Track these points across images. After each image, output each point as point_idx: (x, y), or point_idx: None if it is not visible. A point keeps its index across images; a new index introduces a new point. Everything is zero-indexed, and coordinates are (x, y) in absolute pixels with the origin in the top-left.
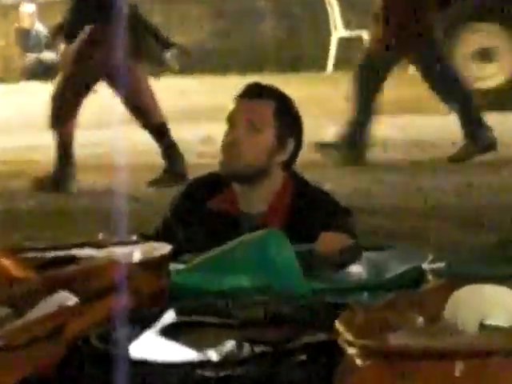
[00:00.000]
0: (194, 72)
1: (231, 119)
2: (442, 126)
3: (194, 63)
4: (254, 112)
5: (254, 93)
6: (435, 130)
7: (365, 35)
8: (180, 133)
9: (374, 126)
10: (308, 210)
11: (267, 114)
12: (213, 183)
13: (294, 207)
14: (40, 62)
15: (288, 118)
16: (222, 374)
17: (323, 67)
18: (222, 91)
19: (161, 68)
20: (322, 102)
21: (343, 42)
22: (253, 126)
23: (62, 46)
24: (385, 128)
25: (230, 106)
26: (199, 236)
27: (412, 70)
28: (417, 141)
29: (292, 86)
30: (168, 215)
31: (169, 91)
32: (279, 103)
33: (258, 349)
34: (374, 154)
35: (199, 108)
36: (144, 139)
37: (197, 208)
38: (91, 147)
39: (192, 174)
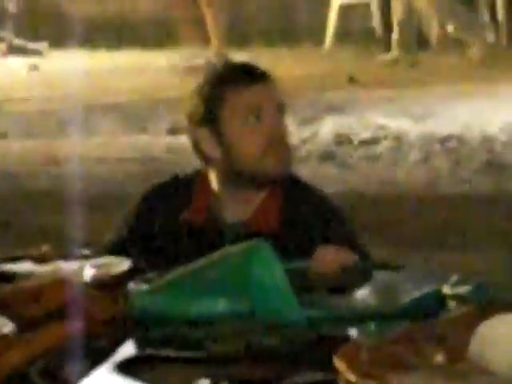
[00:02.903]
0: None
1: (256, 108)
2: None
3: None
4: (276, 95)
5: (262, 75)
6: None
7: (372, 2)
8: None
9: None
10: (302, 216)
11: (279, 91)
12: (176, 189)
13: (286, 212)
14: None
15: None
16: None
17: (320, 41)
18: None
19: None
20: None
21: (345, 10)
22: (281, 110)
23: None
24: None
25: (236, 94)
26: (166, 255)
27: None
28: None
29: (286, 63)
30: (122, 231)
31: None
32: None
33: None
34: None
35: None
36: None
37: (163, 223)
38: None
39: None
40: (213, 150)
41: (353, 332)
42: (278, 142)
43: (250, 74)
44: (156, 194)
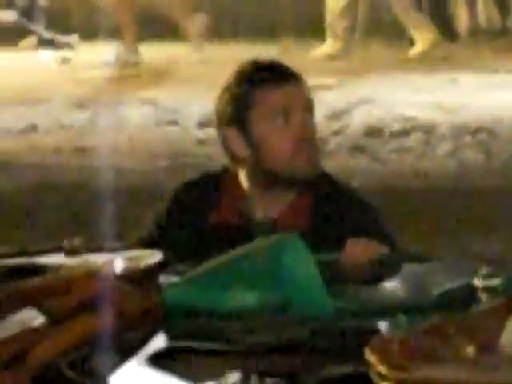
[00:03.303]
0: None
1: (285, 109)
2: None
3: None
4: (304, 94)
5: (290, 75)
6: None
7: None
8: None
9: None
10: (332, 213)
11: (308, 91)
12: (206, 187)
13: (317, 208)
14: None
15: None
16: None
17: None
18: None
19: None
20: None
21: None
22: (310, 110)
23: None
24: None
25: (267, 94)
26: (196, 253)
27: None
28: None
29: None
30: (153, 229)
31: None
32: (299, 74)
33: (269, 382)
34: None
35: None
36: None
37: (193, 221)
38: None
39: None
40: (242, 150)
41: (383, 325)
42: (307, 143)
43: (278, 75)
44: (186, 192)
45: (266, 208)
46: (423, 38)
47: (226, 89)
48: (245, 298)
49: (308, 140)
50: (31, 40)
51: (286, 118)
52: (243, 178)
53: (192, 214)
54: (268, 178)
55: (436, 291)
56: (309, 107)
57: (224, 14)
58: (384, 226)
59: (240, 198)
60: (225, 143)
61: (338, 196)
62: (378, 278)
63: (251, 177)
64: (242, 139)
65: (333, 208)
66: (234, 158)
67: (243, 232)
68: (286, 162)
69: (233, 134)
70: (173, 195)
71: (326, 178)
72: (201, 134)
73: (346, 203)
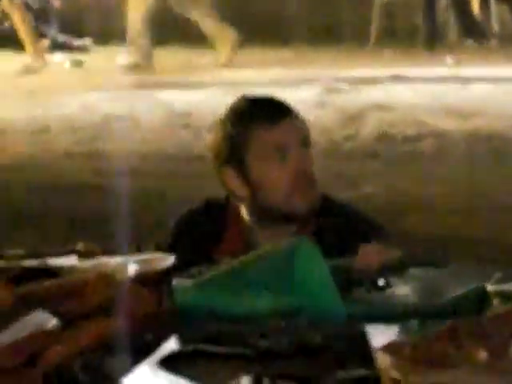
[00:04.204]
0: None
1: (281, 146)
2: None
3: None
4: (301, 129)
5: (285, 111)
6: None
7: None
8: None
9: None
10: (337, 235)
11: (304, 125)
12: (208, 217)
13: (321, 235)
14: None
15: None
16: None
17: (364, 39)
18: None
19: None
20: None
21: (388, 7)
22: (306, 144)
23: None
24: None
25: (261, 135)
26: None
27: None
28: None
29: (330, 59)
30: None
31: None
32: (294, 108)
33: None
34: None
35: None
36: None
37: (196, 252)
38: None
39: None
40: (240, 189)
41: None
42: (305, 179)
43: (272, 112)
44: (188, 222)
45: (269, 240)
46: (223, 45)
47: (221, 127)
48: (257, 301)
49: (305, 176)
50: (45, 42)
51: (282, 156)
52: (245, 212)
53: (195, 243)
54: (268, 214)
55: (448, 296)
56: (305, 142)
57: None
58: (388, 240)
59: (244, 231)
60: (222, 181)
61: (340, 219)
62: (390, 283)
63: (252, 213)
64: (240, 178)
65: (336, 231)
66: (234, 195)
67: None
68: (284, 200)
69: (230, 173)
70: (176, 225)
71: (326, 202)
72: None
73: (349, 225)
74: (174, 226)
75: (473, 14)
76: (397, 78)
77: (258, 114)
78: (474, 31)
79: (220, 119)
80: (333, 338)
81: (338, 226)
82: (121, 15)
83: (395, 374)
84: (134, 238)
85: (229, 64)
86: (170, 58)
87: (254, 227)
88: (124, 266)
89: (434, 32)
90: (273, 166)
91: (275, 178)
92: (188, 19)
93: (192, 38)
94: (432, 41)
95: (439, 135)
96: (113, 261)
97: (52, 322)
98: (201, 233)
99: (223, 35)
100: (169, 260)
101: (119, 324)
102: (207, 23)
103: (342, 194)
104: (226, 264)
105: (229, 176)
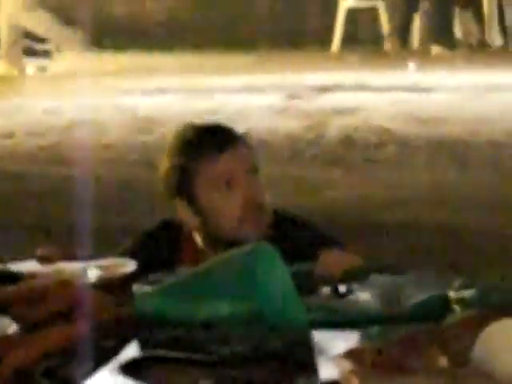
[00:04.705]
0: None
1: (227, 176)
2: None
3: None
4: (247, 158)
5: (231, 140)
6: None
7: (380, 5)
8: None
9: None
10: (293, 244)
11: (250, 152)
12: (166, 237)
13: (276, 245)
14: None
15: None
16: None
17: (327, 44)
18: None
19: None
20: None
21: (352, 13)
22: (254, 171)
23: None
24: None
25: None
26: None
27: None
28: None
29: (293, 64)
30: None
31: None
32: (240, 135)
33: None
34: None
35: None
36: None
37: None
38: None
39: None
40: (191, 219)
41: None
42: (254, 206)
43: (219, 141)
44: (143, 244)
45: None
46: (70, 51)
47: (168, 157)
48: (218, 308)
49: (254, 203)
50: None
51: (228, 185)
52: (198, 239)
53: (149, 267)
54: (219, 241)
55: (409, 303)
56: (252, 168)
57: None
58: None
59: (197, 254)
60: (176, 212)
61: (293, 229)
62: (351, 290)
63: (204, 239)
64: (189, 209)
65: (290, 242)
66: (185, 223)
67: None
68: (234, 228)
69: (179, 204)
70: (131, 247)
71: (277, 216)
72: None
73: (303, 235)
74: (130, 247)
75: (451, 20)
76: (360, 84)
77: (204, 144)
78: (444, 37)
79: (167, 149)
80: (293, 344)
81: (291, 236)
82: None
83: (355, 381)
84: (96, 244)
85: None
86: (131, 62)
87: (207, 251)
88: (84, 271)
89: (403, 33)
90: (220, 195)
91: (223, 207)
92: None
93: (151, 41)
94: (401, 40)
95: (401, 142)
96: (73, 266)
97: (12, 327)
98: (155, 255)
99: (66, 37)
100: (129, 266)
101: (80, 329)
102: (46, 27)
103: (305, 199)
104: (187, 270)
105: (179, 206)
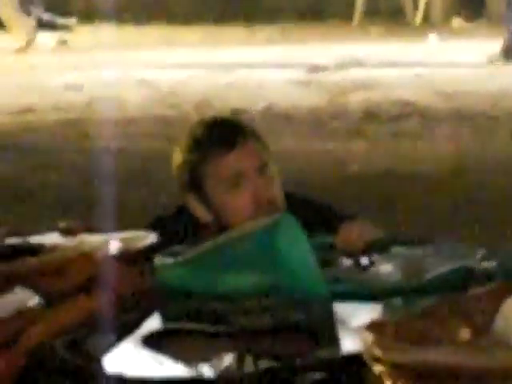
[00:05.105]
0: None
1: (236, 174)
2: None
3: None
4: (257, 155)
5: (241, 137)
6: None
7: None
8: None
9: None
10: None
11: (261, 147)
12: (182, 223)
13: None
14: None
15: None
16: None
17: (348, 17)
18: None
19: None
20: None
21: None
22: (263, 169)
23: None
24: None
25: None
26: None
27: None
28: None
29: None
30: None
31: None
32: (251, 129)
33: (262, 364)
34: None
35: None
36: None
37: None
38: None
39: None
40: (204, 215)
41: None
42: (264, 204)
43: (230, 137)
44: (158, 228)
45: None
46: (21, 35)
47: (179, 154)
48: (239, 279)
49: (264, 200)
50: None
51: (238, 183)
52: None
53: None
54: None
55: (431, 274)
56: (262, 168)
57: None
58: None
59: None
60: (188, 207)
61: (306, 213)
62: (373, 262)
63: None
64: (203, 205)
65: (305, 219)
66: (199, 219)
67: None
68: None
69: (192, 199)
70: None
71: (290, 199)
72: None
73: (317, 211)
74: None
75: None
76: (382, 58)
77: (213, 142)
78: (469, 6)
79: (179, 145)
80: (315, 316)
81: (304, 218)
82: None
83: (377, 352)
84: (119, 218)
85: (24, 50)
86: (153, 35)
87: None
88: (106, 243)
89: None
90: (230, 193)
91: (234, 205)
92: None
93: (175, 16)
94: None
95: (423, 114)
96: (95, 239)
97: (34, 300)
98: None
99: (19, 23)
100: (150, 238)
101: (101, 302)
102: (3, 9)
103: (328, 172)
104: (208, 242)
105: (192, 202)
